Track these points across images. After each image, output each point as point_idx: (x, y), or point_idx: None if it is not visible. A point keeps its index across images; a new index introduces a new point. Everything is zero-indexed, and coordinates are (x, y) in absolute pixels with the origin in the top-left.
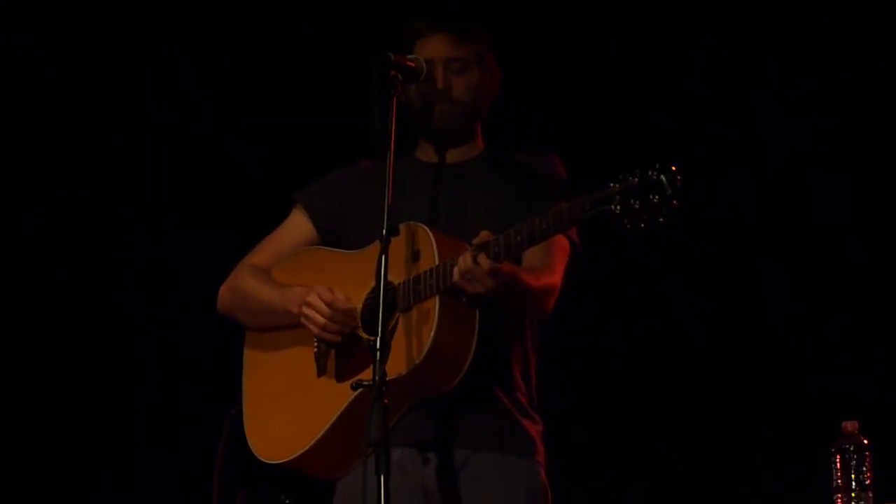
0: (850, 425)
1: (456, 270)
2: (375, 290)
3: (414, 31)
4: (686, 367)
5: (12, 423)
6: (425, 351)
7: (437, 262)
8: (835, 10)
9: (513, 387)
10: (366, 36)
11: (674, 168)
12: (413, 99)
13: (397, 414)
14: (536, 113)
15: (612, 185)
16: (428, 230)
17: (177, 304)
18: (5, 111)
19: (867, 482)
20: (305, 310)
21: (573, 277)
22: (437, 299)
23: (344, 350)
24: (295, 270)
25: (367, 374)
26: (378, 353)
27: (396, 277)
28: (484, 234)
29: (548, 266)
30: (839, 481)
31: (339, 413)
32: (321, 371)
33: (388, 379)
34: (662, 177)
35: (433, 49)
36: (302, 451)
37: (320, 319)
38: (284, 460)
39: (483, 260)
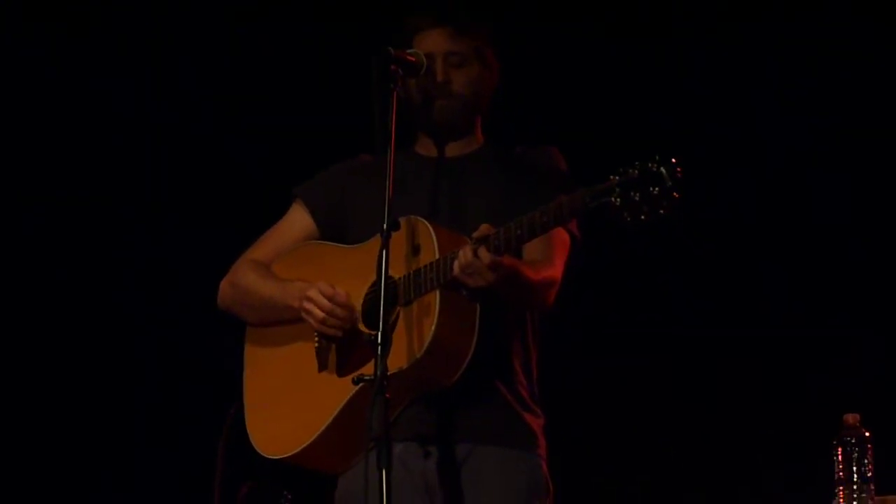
0: (851, 418)
1: (456, 264)
2: (376, 284)
3: (413, 25)
4: (686, 361)
5: (13, 423)
6: (426, 345)
7: (437, 256)
8: (835, 10)
9: (514, 380)
10: (365, 33)
11: (674, 160)
12: (413, 93)
13: (398, 408)
14: (537, 108)
15: (612, 177)
16: (428, 224)
17: (177, 304)
18: (5, 111)
19: (869, 474)
20: (306, 304)
21: (573, 270)
22: (437, 293)
23: (345, 345)
24: (295, 265)
25: (368, 369)
26: (379, 348)
27: (397, 271)
28: (484, 228)
29: (548, 259)
30: (841, 474)
31: (340, 408)
32: (322, 366)
33: (389, 373)
34: (662, 169)
35: (432, 43)
36: (303, 446)
37: (320, 314)
38: (286, 455)
39: (483, 253)
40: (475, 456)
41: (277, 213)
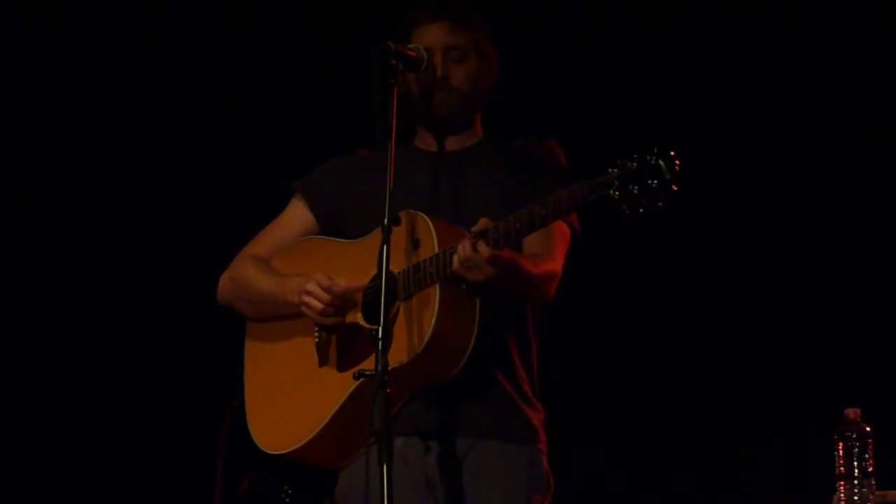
0: (852, 413)
1: (455, 258)
2: (376, 278)
3: (412, 18)
4: (687, 356)
5: (13, 424)
6: (426, 339)
7: (436, 251)
8: (835, 10)
9: (514, 374)
10: (363, 28)
11: (672, 153)
12: (412, 87)
13: (399, 403)
14: (536, 104)
15: (610, 170)
16: (427, 218)
17: (177, 304)
18: (5, 111)
19: (870, 469)
20: (304, 297)
21: (573, 264)
22: (437, 287)
23: (345, 339)
24: (295, 260)
25: (368, 364)
26: (380, 343)
27: (396, 266)
28: (483, 222)
29: (548, 252)
30: (842, 468)
31: (340, 403)
32: (322, 361)
33: (389, 368)
34: (661, 162)
35: (432, 37)
36: (304, 441)
37: (318, 305)
38: (286, 451)
39: (482, 247)
40: (476, 450)
41: (277, 213)
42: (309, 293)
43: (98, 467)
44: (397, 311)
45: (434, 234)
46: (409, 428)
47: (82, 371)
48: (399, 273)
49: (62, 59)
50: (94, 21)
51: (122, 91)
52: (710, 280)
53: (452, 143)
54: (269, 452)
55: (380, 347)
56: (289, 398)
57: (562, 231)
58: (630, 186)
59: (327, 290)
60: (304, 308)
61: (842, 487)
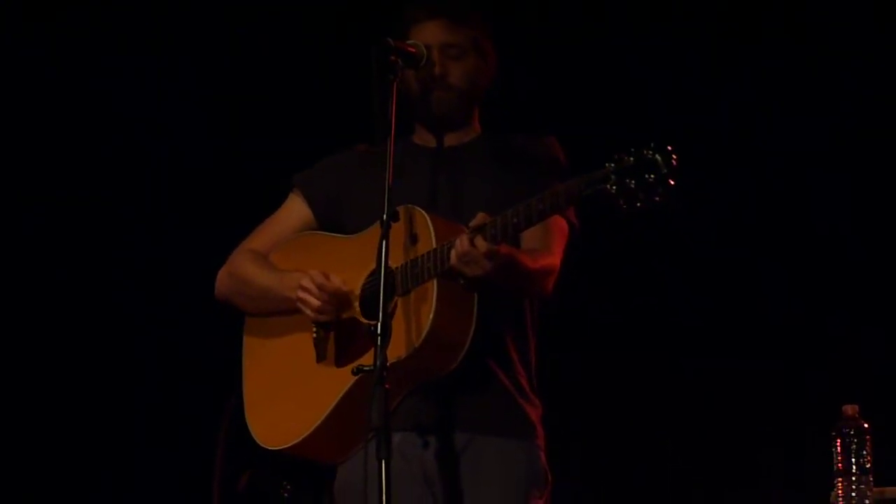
0: (850, 409)
1: (453, 253)
2: (374, 273)
3: (410, 16)
4: (685, 352)
5: (13, 424)
6: (424, 334)
7: (434, 246)
8: (835, 10)
9: (512, 369)
10: (363, 30)
11: (669, 148)
12: (410, 84)
13: (397, 398)
14: (535, 101)
15: (607, 164)
16: (425, 213)
17: (177, 304)
18: (5, 111)
19: (867, 466)
20: (301, 294)
21: (571, 259)
22: (435, 282)
23: (343, 335)
24: (293, 255)
25: (366, 359)
26: (379, 338)
27: (394, 261)
28: (480, 217)
29: (546, 248)
30: (840, 465)
31: (338, 398)
32: (320, 356)
33: (388, 363)
34: (658, 156)
35: (429, 35)
36: (302, 436)
37: (315, 302)
38: (285, 446)
39: (480, 242)
40: (474, 446)
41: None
42: (304, 289)
43: (98, 467)
44: (395, 306)
45: (432, 229)
46: (408, 423)
47: (82, 371)
48: (397, 268)
49: (62, 59)
50: (94, 21)
51: (122, 91)
52: (710, 277)
53: (451, 140)
54: (268, 448)
55: (379, 343)
56: (287, 393)
57: (560, 226)
58: (627, 181)
59: (322, 287)
60: (299, 304)
61: (840, 484)
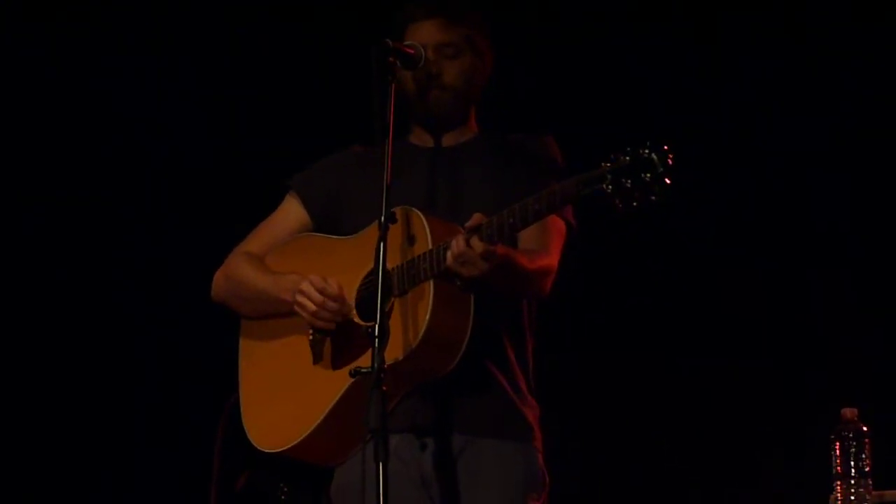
0: (849, 412)
1: (449, 254)
2: (370, 275)
3: (406, 15)
4: (682, 352)
5: (13, 424)
6: (421, 335)
7: (430, 246)
8: (835, 10)
9: (510, 371)
10: (362, 30)
11: (665, 147)
12: (408, 84)
13: (394, 400)
14: (534, 100)
15: (603, 164)
16: (421, 214)
17: (177, 304)
18: (5, 111)
19: (867, 469)
20: (298, 297)
21: (569, 259)
22: (431, 283)
23: (339, 337)
24: (289, 257)
25: (362, 361)
26: (377, 340)
27: (391, 262)
28: (476, 217)
29: (544, 248)
30: (839, 468)
31: (335, 401)
32: (317, 358)
33: (385, 365)
34: (654, 155)
35: (425, 34)
36: (299, 439)
37: (312, 307)
38: (282, 449)
39: (476, 242)
40: (472, 448)
41: None
42: (302, 293)
43: (98, 467)
44: (392, 307)
45: (428, 229)
46: (405, 425)
47: (82, 371)
48: (393, 269)
49: (62, 59)
50: (94, 21)
51: (122, 91)
52: (709, 277)
53: (448, 139)
54: (265, 450)
55: (376, 345)
56: (284, 396)
57: (557, 226)
58: (623, 180)
59: (321, 291)
60: (297, 308)
61: (839, 487)
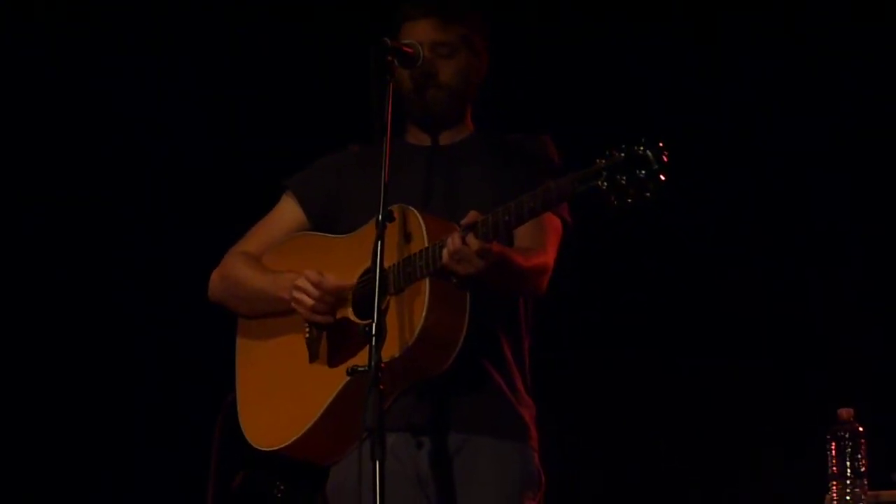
0: (845, 412)
1: (445, 252)
2: (367, 273)
3: (402, 14)
4: (680, 352)
5: (13, 423)
6: (417, 332)
7: (426, 244)
8: (835, 10)
9: (506, 369)
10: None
11: (660, 143)
12: (404, 83)
13: (390, 398)
14: (532, 100)
15: (598, 160)
16: (417, 212)
17: (177, 304)
18: (5, 111)
19: (862, 469)
20: (295, 294)
21: (565, 256)
22: (427, 281)
23: (336, 335)
24: (286, 256)
25: (359, 359)
26: (374, 339)
27: (388, 260)
28: (472, 215)
29: (540, 246)
30: (835, 468)
31: (331, 399)
32: (313, 357)
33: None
34: (649, 152)
35: (421, 33)
36: (295, 438)
37: (309, 301)
38: (278, 447)
39: (471, 240)
40: (468, 446)
41: None
42: (299, 289)
43: (98, 467)
44: (388, 305)
45: (424, 228)
46: (401, 423)
47: (82, 371)
48: (390, 267)
49: (62, 59)
50: (94, 21)
51: (122, 91)
52: (708, 276)
53: (444, 138)
54: (261, 449)
55: (373, 343)
56: (280, 394)
57: (553, 224)
58: (618, 177)
59: (317, 285)
60: (294, 304)
61: (834, 487)
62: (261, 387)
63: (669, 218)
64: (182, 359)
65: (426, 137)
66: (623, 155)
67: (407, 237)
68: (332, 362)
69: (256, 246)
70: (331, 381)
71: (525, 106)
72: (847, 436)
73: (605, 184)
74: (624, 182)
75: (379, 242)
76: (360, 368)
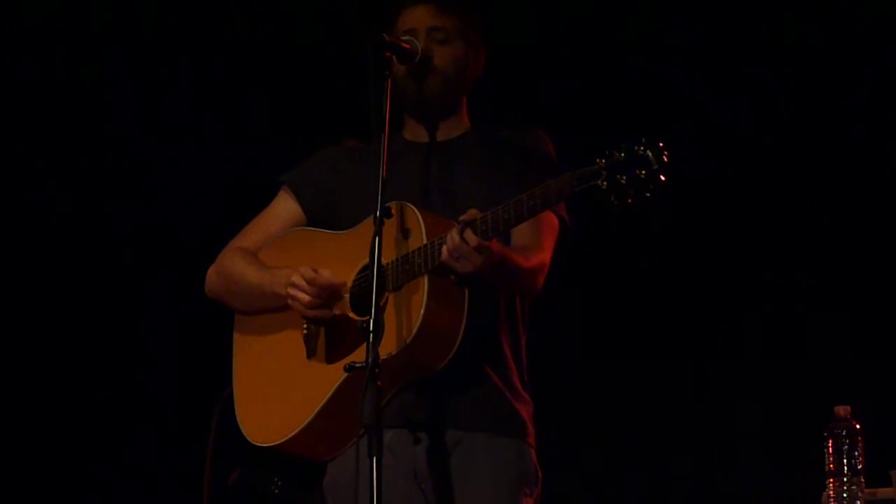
0: (842, 410)
1: (444, 248)
2: (365, 269)
3: (398, 1)
4: (677, 352)
5: (12, 423)
6: (415, 330)
7: (425, 241)
8: (835, 10)
9: (504, 366)
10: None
11: (661, 143)
12: (401, 76)
13: (388, 395)
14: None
15: (598, 160)
16: (416, 209)
17: (177, 304)
18: (5, 111)
19: (859, 466)
20: (290, 290)
21: (562, 255)
22: (426, 278)
23: (333, 331)
24: (283, 252)
25: (356, 355)
26: (371, 336)
27: (386, 257)
28: (471, 212)
29: (537, 244)
30: (831, 466)
31: (328, 395)
32: (310, 353)
33: (379, 359)
34: (649, 151)
35: (416, 18)
36: (292, 434)
37: (305, 297)
38: (275, 443)
39: (470, 237)
40: (465, 443)
41: None
42: (294, 285)
43: (97, 466)
44: (386, 301)
45: (423, 224)
46: (399, 420)
47: (82, 370)
48: (388, 264)
49: (62, 59)
50: (94, 21)
51: (122, 91)
52: (707, 276)
53: (441, 134)
54: (258, 444)
55: (371, 340)
56: (277, 390)
57: (551, 223)
58: (618, 176)
59: (311, 281)
60: (290, 300)
61: (831, 484)
62: (258, 383)
63: (667, 215)
64: (182, 358)
65: (423, 134)
66: (623, 155)
67: (405, 234)
68: (330, 359)
69: (253, 241)
70: (328, 378)
71: (525, 106)
72: (844, 433)
73: (605, 183)
74: (624, 182)
75: (377, 239)
76: (357, 365)
